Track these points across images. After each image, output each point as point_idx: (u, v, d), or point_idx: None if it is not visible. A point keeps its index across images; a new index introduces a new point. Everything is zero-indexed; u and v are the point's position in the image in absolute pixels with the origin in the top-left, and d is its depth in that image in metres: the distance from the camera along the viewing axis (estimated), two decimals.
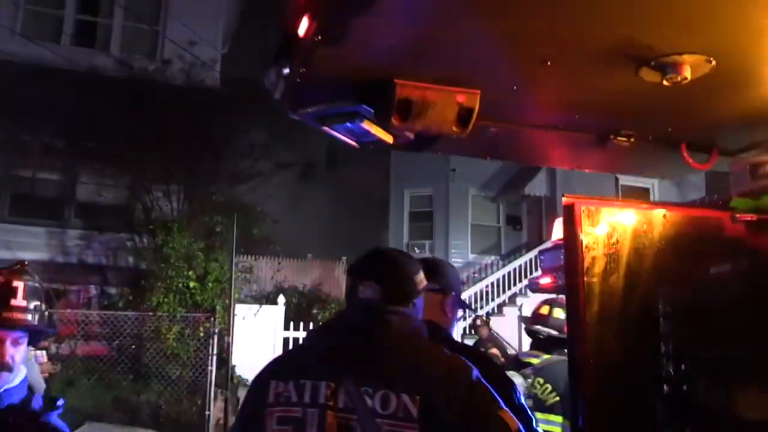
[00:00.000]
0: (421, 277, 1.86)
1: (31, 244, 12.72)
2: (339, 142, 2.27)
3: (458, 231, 16.00)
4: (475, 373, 1.62)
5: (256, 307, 10.64)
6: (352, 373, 1.61)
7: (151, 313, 10.01)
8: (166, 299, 10.02)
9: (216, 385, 9.87)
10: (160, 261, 10.27)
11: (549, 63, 1.83)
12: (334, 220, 16.53)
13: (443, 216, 15.94)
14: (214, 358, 9.82)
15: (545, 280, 3.25)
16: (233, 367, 10.40)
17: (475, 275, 15.54)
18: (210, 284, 10.12)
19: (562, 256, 2.97)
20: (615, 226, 2.45)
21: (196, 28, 13.43)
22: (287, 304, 11.91)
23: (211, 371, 9.73)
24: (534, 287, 3.32)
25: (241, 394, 9.89)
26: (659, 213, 2.51)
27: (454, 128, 1.99)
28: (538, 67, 1.85)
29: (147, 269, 11.93)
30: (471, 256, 16.02)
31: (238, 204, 11.16)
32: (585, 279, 2.39)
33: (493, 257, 16.06)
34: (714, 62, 1.83)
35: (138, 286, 11.82)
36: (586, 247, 2.36)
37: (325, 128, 2.19)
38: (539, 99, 2.14)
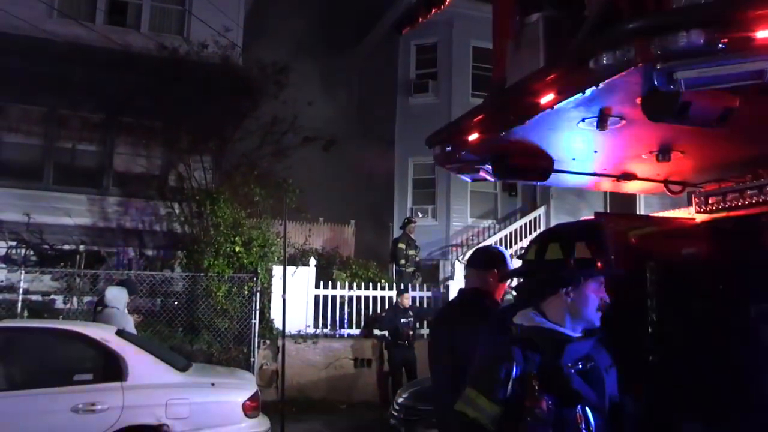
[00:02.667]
0: None
1: (73, 210, 14.03)
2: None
3: (458, 197, 17.35)
4: None
5: (292, 268, 12.10)
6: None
7: (202, 274, 11.48)
8: (216, 261, 11.48)
9: (259, 335, 11.48)
10: (209, 228, 11.67)
11: (596, 152, 3.40)
12: (343, 187, 17.93)
13: (445, 183, 17.15)
14: (257, 312, 11.39)
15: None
16: (272, 320, 11.99)
17: (474, 238, 17.15)
18: (255, 249, 11.61)
19: None
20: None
21: (221, 6, 14.60)
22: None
23: (255, 324, 11.26)
24: None
25: (279, 343, 11.51)
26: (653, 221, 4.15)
27: (539, 179, 3.55)
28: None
29: (186, 234, 13.36)
30: (470, 220, 17.48)
31: (274, 177, 12.57)
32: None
33: (490, 221, 17.53)
34: (686, 153, 3.40)
35: (179, 249, 13.29)
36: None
37: (457, 173, 3.73)
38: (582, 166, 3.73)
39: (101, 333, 6.48)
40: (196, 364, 7.88)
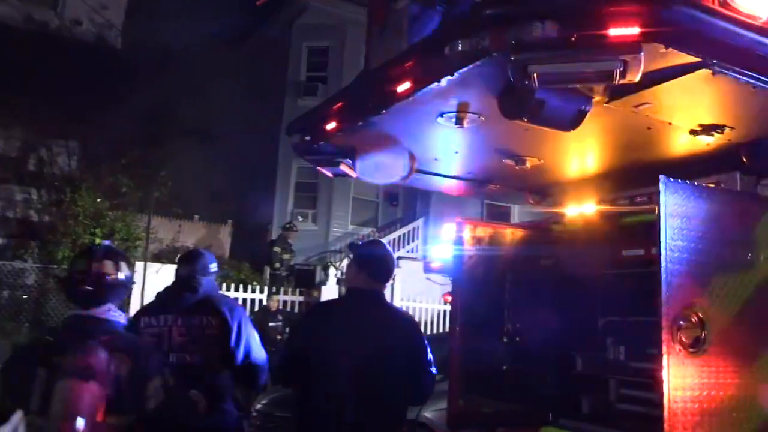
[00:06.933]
0: None
1: None
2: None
3: (340, 203, 17.27)
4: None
5: (158, 265, 11.41)
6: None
7: (56, 266, 10.61)
8: (72, 253, 10.62)
9: None
10: (68, 217, 10.81)
11: (457, 152, 3.31)
12: (222, 186, 17.27)
13: (327, 188, 16.97)
14: None
15: (436, 264, 4.75)
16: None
17: None
18: (116, 242, 10.84)
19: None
20: (483, 235, 4.00)
21: None
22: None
23: None
24: (427, 268, 4.81)
25: None
26: (509, 229, 4.14)
27: (401, 178, 3.42)
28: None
29: (42, 223, 12.30)
30: (350, 227, 17.40)
31: (145, 168, 11.84)
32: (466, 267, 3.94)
33: (370, 229, 17.49)
34: (543, 161, 3.39)
35: (33, 238, 12.22)
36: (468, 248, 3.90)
37: (318, 166, 3.53)
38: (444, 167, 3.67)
39: None
40: None
